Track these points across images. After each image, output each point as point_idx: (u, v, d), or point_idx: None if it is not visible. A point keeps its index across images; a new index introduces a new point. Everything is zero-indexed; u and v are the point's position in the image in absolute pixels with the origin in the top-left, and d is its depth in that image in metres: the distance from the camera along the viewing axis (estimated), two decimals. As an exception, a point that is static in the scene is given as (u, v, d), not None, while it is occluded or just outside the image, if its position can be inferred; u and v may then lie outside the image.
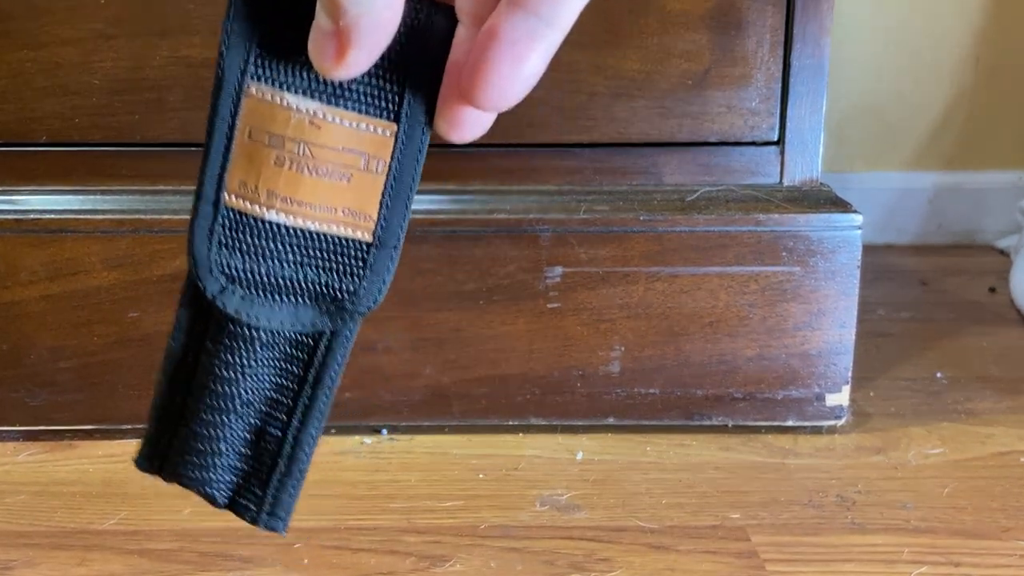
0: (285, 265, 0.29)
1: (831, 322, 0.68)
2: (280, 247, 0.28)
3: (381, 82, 0.28)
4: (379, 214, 0.29)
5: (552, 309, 0.67)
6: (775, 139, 0.69)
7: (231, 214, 0.28)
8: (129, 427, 0.69)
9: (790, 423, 0.70)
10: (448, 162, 0.68)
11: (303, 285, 0.29)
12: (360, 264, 0.29)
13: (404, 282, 0.67)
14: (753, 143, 0.69)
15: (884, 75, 1.13)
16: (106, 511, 0.61)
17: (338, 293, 0.29)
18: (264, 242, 0.28)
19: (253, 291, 0.29)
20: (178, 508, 0.61)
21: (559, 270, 0.67)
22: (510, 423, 0.70)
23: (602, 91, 0.67)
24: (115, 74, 0.66)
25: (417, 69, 0.28)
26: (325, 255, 0.29)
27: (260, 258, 0.28)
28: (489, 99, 0.26)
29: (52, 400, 0.68)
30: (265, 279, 0.29)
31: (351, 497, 0.62)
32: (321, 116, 0.27)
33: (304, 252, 0.29)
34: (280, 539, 0.57)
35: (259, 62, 0.27)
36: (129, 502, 0.62)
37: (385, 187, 0.29)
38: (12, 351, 0.67)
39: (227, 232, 0.28)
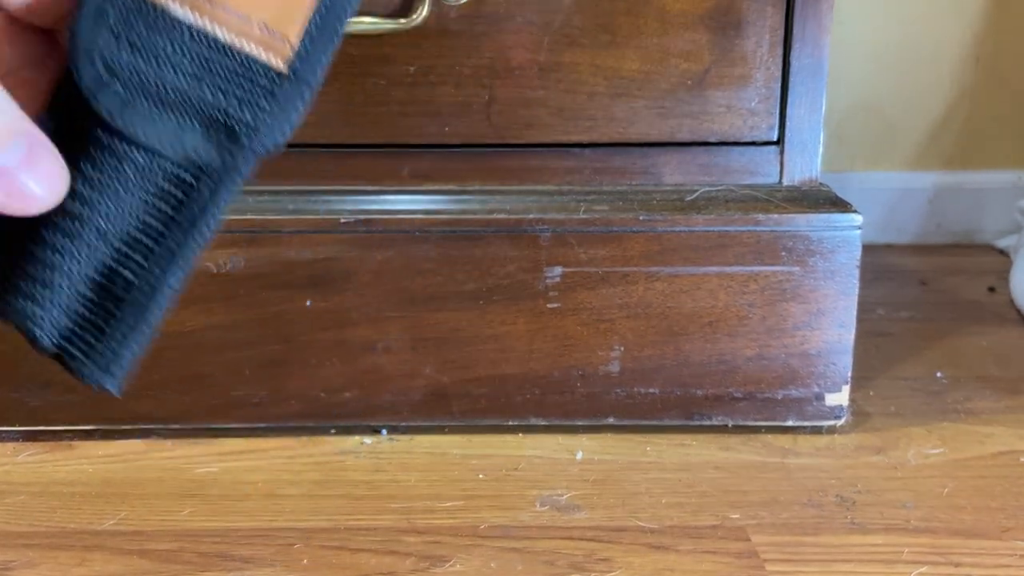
0: (180, 74, 0.25)
1: (831, 322, 0.68)
2: (178, 50, 0.25)
3: None
4: (300, 42, 0.25)
5: (552, 309, 0.68)
6: (775, 139, 0.69)
7: None
8: (129, 427, 0.69)
9: (790, 423, 0.70)
10: (448, 162, 0.68)
11: (195, 103, 0.25)
12: (266, 95, 0.25)
13: (404, 282, 0.67)
14: (752, 143, 0.69)
15: (884, 75, 1.13)
16: (106, 511, 0.61)
17: (234, 123, 0.25)
18: (162, 39, 0.24)
19: (136, 94, 0.25)
20: (178, 509, 0.61)
21: (559, 270, 0.67)
22: (510, 423, 0.70)
23: (602, 91, 0.67)
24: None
25: None
26: (228, 74, 0.25)
27: (152, 58, 0.25)
28: None
29: (52, 400, 0.68)
30: (153, 84, 0.25)
31: (351, 497, 0.62)
32: None
33: (205, 64, 0.25)
34: (280, 539, 0.57)
35: None
36: (129, 502, 0.62)
37: (314, 12, 0.25)
38: (12, 351, 0.67)
39: (120, 16, 0.24)
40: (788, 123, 0.68)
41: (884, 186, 1.16)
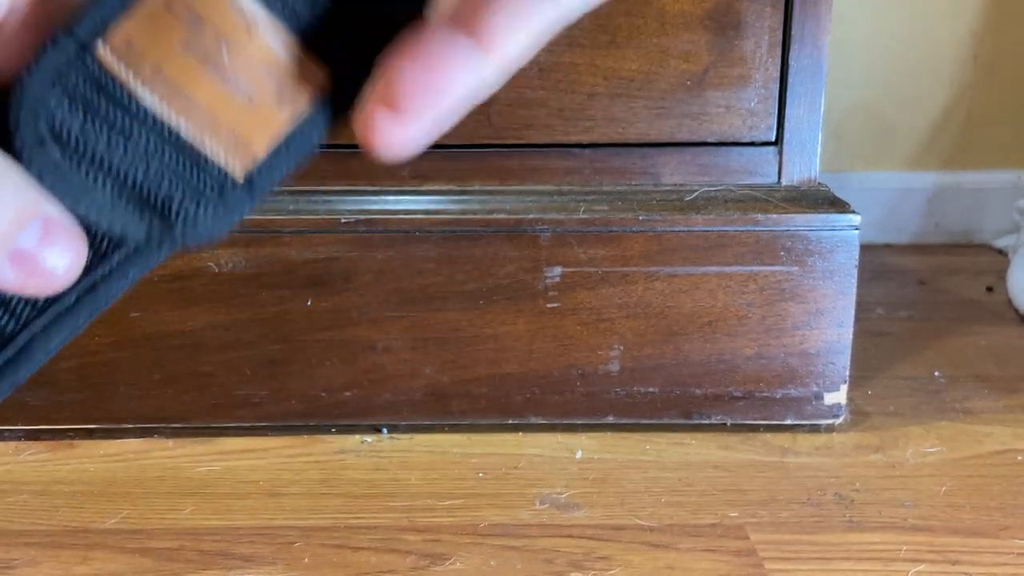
0: (131, 153, 0.23)
1: (829, 321, 0.68)
2: (136, 132, 0.23)
3: (337, 25, 0.24)
4: (265, 156, 0.24)
5: (552, 309, 0.68)
6: (773, 139, 0.69)
7: (96, 69, 0.23)
8: (130, 426, 0.69)
9: (788, 422, 0.70)
10: (448, 162, 0.68)
11: (138, 184, 0.24)
12: (215, 195, 0.24)
13: (404, 282, 0.67)
14: (751, 143, 0.69)
15: (883, 75, 1.14)
16: (107, 510, 0.61)
17: (174, 214, 0.24)
18: (120, 117, 0.23)
19: (74, 163, 0.23)
20: (179, 507, 0.61)
21: (558, 270, 0.67)
22: (510, 422, 0.70)
23: (601, 91, 0.68)
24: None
25: (369, 39, 0.24)
26: (182, 165, 0.24)
27: (105, 132, 0.23)
28: (384, 130, 0.23)
29: (53, 400, 0.68)
30: (97, 157, 0.23)
31: (351, 496, 0.63)
32: (260, 27, 0.23)
33: (159, 150, 0.24)
34: (281, 538, 0.58)
35: None
36: (130, 501, 0.62)
37: (287, 134, 0.24)
38: (13, 351, 0.67)
39: (81, 85, 0.23)
40: (787, 123, 0.68)
41: (883, 186, 1.16)
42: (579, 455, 0.67)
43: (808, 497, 0.62)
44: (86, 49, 0.22)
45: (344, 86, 0.24)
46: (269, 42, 0.23)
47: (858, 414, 0.73)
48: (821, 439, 0.70)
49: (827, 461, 0.67)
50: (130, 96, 0.23)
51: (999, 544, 0.57)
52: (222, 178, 0.24)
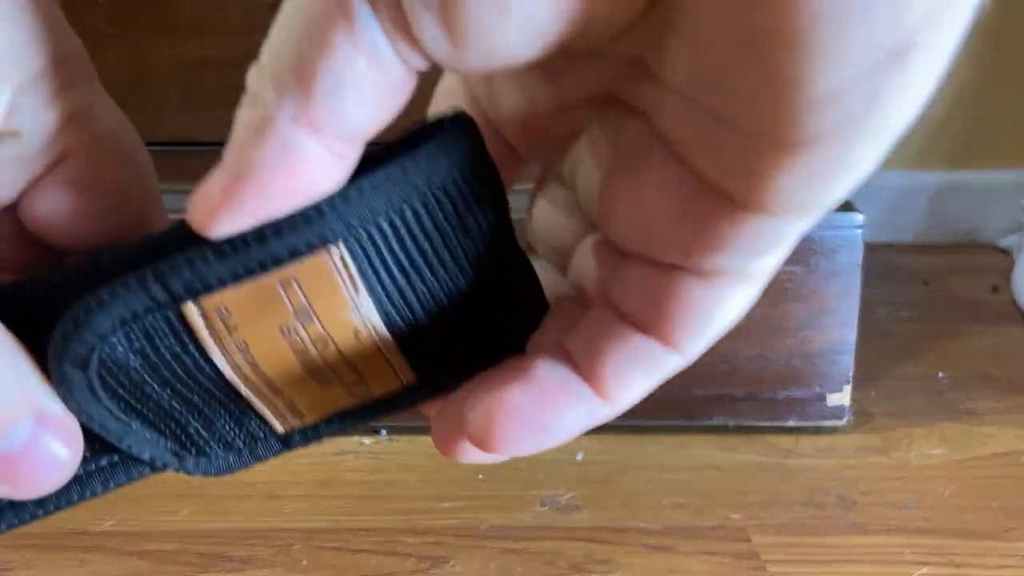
0: (176, 399, 0.22)
1: (832, 322, 0.68)
2: (192, 384, 0.21)
3: (443, 347, 0.22)
4: (314, 424, 0.23)
5: (552, 309, 0.67)
6: (776, 138, 0.69)
7: (176, 322, 0.20)
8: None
9: (791, 423, 0.70)
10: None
11: (173, 422, 0.23)
12: (246, 445, 0.24)
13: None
14: (754, 142, 0.69)
15: (886, 74, 1.13)
16: (104, 512, 0.60)
17: (200, 451, 0.23)
18: (181, 371, 0.21)
19: (115, 398, 0.21)
20: (177, 509, 0.61)
21: (559, 270, 0.67)
22: (510, 423, 0.70)
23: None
24: (114, 73, 0.65)
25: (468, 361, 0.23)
26: (226, 415, 0.23)
27: (159, 378, 0.21)
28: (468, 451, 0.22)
29: (51, 401, 0.68)
30: (143, 398, 0.22)
31: (350, 498, 0.62)
32: (367, 330, 0.21)
33: (208, 402, 0.22)
34: (279, 540, 0.57)
35: (362, 241, 0.20)
36: (127, 503, 0.61)
37: (346, 413, 0.23)
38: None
39: (152, 331, 0.20)
40: (789, 122, 0.68)
41: (886, 185, 1.16)
42: (580, 457, 0.67)
43: (811, 499, 0.62)
44: (175, 302, 0.20)
45: (426, 390, 0.23)
46: (372, 346, 0.21)
47: (861, 415, 0.72)
48: (824, 440, 0.69)
49: (830, 463, 0.66)
50: (202, 356, 0.21)
51: (1003, 546, 0.57)
52: (261, 431, 0.23)
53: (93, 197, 0.23)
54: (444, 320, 0.22)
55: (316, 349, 0.21)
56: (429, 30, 0.16)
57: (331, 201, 0.19)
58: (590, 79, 0.20)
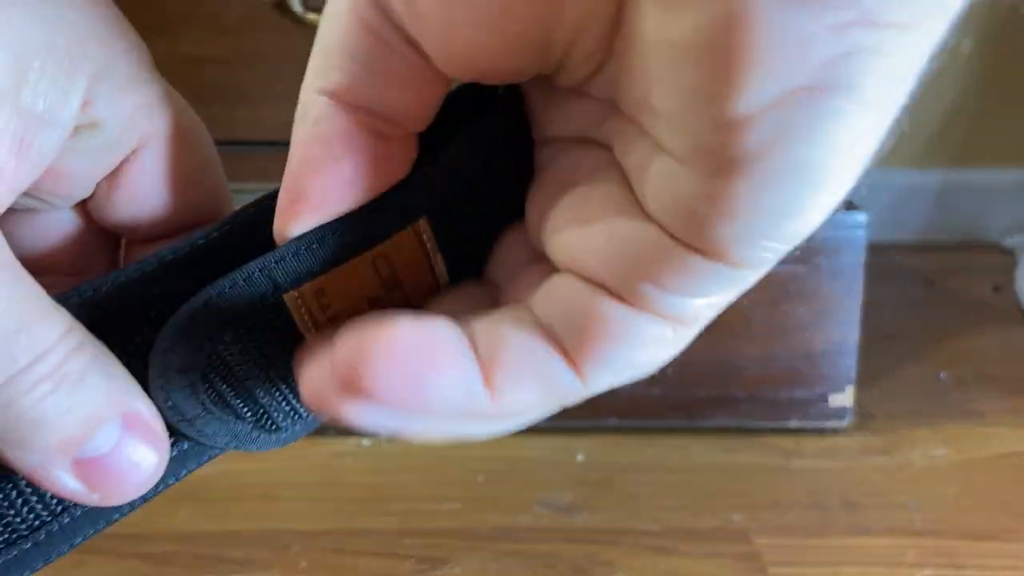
0: (266, 384, 0.22)
1: (835, 322, 0.67)
2: (281, 360, 0.22)
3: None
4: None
5: (552, 309, 0.67)
6: (777, 137, 0.68)
7: (277, 312, 0.21)
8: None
9: (793, 424, 0.69)
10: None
11: (264, 406, 0.23)
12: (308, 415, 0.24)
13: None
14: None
15: (889, 72, 1.13)
16: (103, 514, 0.60)
17: (280, 426, 0.23)
18: (274, 349, 0.21)
19: (211, 383, 0.22)
20: (175, 511, 0.60)
21: (559, 270, 0.66)
22: (511, 424, 0.70)
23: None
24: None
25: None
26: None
27: (256, 358, 0.22)
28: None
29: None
30: (241, 380, 0.22)
31: (349, 499, 0.62)
32: (439, 284, 0.23)
33: (291, 378, 0.22)
34: (278, 542, 0.57)
35: (439, 213, 0.22)
36: (126, 504, 0.61)
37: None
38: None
39: (255, 326, 0.21)
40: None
41: (889, 184, 1.15)
42: (580, 458, 0.67)
43: (813, 500, 0.61)
44: (277, 290, 0.20)
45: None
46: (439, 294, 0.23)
47: (864, 416, 0.72)
48: (826, 441, 0.69)
49: (832, 464, 0.66)
50: (296, 334, 0.21)
51: (1006, 547, 0.56)
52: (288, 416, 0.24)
53: (170, 185, 0.23)
54: (483, 252, 0.23)
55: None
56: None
57: (412, 181, 0.21)
58: (573, 120, 0.21)
